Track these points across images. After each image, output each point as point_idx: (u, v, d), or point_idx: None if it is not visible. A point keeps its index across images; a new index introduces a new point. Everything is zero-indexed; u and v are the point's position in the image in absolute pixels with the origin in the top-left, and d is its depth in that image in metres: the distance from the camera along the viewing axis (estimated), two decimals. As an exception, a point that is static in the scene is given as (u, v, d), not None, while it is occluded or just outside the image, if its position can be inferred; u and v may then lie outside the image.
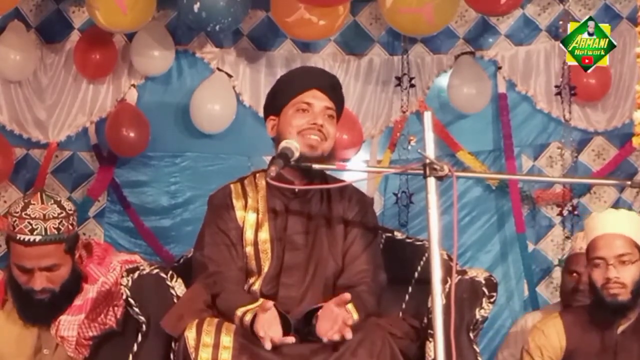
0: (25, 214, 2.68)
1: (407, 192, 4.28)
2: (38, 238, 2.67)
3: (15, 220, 2.69)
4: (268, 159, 4.02)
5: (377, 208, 4.08)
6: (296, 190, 2.63)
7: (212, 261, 2.58)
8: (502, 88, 4.37)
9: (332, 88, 2.70)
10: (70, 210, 2.78)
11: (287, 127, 2.60)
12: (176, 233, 4.33)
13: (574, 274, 3.40)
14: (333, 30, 4.09)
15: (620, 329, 2.86)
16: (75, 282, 2.77)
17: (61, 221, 2.72)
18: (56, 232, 2.70)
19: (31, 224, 2.68)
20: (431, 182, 2.12)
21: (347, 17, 4.10)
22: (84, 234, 4.22)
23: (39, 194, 2.78)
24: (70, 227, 2.76)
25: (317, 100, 2.63)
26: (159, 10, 4.17)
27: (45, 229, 2.68)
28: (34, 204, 2.72)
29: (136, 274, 2.52)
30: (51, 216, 2.70)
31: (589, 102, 4.32)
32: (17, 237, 2.68)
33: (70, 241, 2.76)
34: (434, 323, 2.04)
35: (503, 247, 4.39)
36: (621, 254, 2.80)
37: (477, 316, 2.48)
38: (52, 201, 2.75)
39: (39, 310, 2.73)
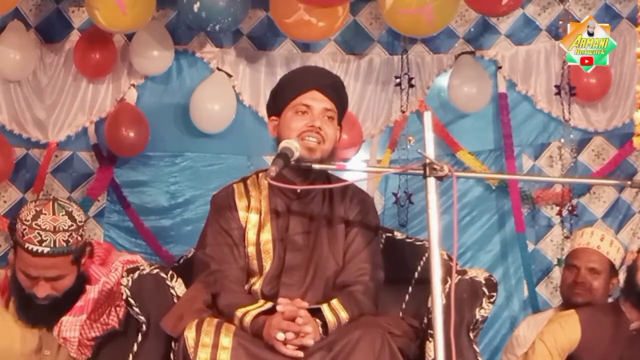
0: (36, 224, 2.63)
1: (407, 192, 4.28)
2: (46, 250, 2.62)
3: (25, 229, 2.63)
4: (268, 158, 4.05)
5: (377, 208, 4.05)
6: (298, 190, 2.62)
7: (213, 260, 2.57)
8: (502, 88, 4.37)
9: (332, 88, 2.66)
10: (81, 221, 2.72)
11: (286, 129, 2.58)
12: (176, 233, 4.33)
13: (573, 268, 3.41)
14: (332, 31, 4.09)
15: (632, 326, 2.88)
16: (79, 288, 2.74)
17: (71, 234, 2.66)
18: (65, 245, 2.65)
19: (40, 235, 2.62)
20: (431, 182, 2.12)
21: (347, 17, 4.10)
22: (84, 233, 4.23)
23: (51, 202, 2.70)
24: (79, 238, 2.71)
25: (316, 101, 2.60)
26: (158, 10, 4.17)
27: (54, 241, 2.63)
28: (45, 214, 2.65)
29: (136, 274, 2.52)
30: (61, 229, 2.65)
31: (589, 102, 4.32)
32: (25, 246, 2.63)
33: (78, 252, 2.71)
34: (434, 323, 2.04)
35: (503, 247, 4.38)
36: None
37: (477, 316, 2.47)
38: (64, 212, 2.68)
39: (39, 313, 2.71)
